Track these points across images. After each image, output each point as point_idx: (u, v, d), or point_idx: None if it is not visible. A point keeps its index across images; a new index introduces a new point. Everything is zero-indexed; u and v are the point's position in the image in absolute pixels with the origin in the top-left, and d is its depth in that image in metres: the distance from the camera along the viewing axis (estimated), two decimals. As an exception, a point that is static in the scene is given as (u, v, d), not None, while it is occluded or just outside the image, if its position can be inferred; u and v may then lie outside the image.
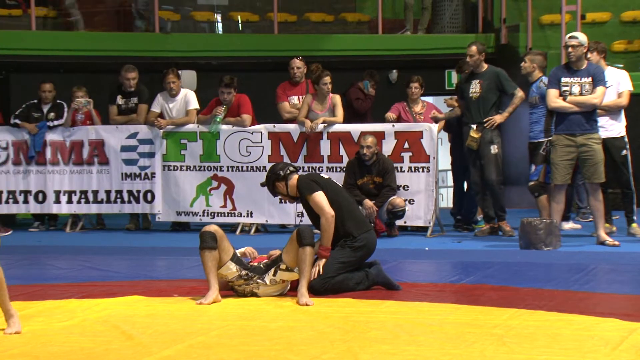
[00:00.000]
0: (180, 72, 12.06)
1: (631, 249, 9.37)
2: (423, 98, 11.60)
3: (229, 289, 6.92)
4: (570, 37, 9.71)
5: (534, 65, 10.41)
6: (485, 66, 10.68)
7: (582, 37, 9.69)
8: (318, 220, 7.06)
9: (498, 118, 10.53)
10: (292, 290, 6.83)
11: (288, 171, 7.20)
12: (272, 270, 6.80)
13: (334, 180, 7.44)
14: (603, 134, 10.01)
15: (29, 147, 11.70)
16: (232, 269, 6.76)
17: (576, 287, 7.15)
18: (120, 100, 11.91)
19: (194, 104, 11.59)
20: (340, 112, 11.05)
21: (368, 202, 10.49)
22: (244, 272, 6.78)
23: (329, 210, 6.97)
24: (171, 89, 11.55)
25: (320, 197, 7.03)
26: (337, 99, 11.13)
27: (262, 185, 7.44)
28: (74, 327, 5.75)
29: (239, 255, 6.89)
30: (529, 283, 7.33)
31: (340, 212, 7.05)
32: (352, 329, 5.58)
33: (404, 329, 5.58)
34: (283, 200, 11.10)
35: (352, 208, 7.24)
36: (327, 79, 10.97)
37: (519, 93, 10.52)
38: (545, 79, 10.14)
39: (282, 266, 6.79)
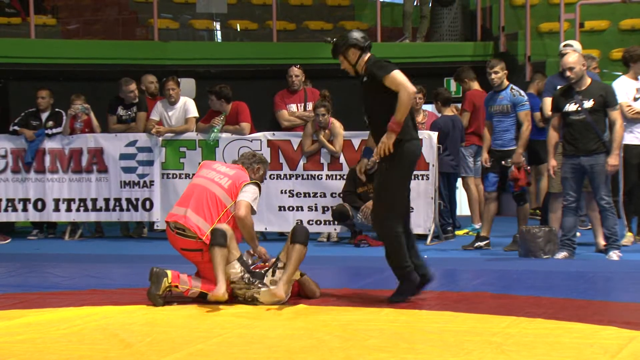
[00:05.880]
0: (179, 80, 12.06)
1: (630, 257, 9.37)
2: (422, 107, 11.62)
3: (230, 296, 6.93)
4: (565, 45, 9.75)
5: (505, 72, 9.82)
6: None
7: (577, 45, 9.73)
8: (377, 120, 6.64)
9: None
10: (292, 297, 6.83)
11: (368, 45, 6.82)
12: (271, 270, 6.84)
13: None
14: None
15: (25, 153, 11.68)
16: (236, 269, 6.79)
17: (575, 294, 7.15)
18: (121, 111, 11.91)
19: (193, 112, 11.60)
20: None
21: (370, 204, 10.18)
22: (246, 276, 6.79)
23: (411, 86, 6.54)
24: (170, 97, 11.55)
25: (400, 74, 6.54)
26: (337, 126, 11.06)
27: (328, 41, 6.89)
28: (72, 335, 5.75)
29: (245, 257, 6.92)
30: (528, 291, 7.33)
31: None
32: (351, 337, 5.57)
33: (403, 337, 5.58)
34: (282, 208, 11.12)
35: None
36: (322, 110, 10.82)
37: None
38: (515, 88, 9.81)
39: (280, 264, 6.82)
